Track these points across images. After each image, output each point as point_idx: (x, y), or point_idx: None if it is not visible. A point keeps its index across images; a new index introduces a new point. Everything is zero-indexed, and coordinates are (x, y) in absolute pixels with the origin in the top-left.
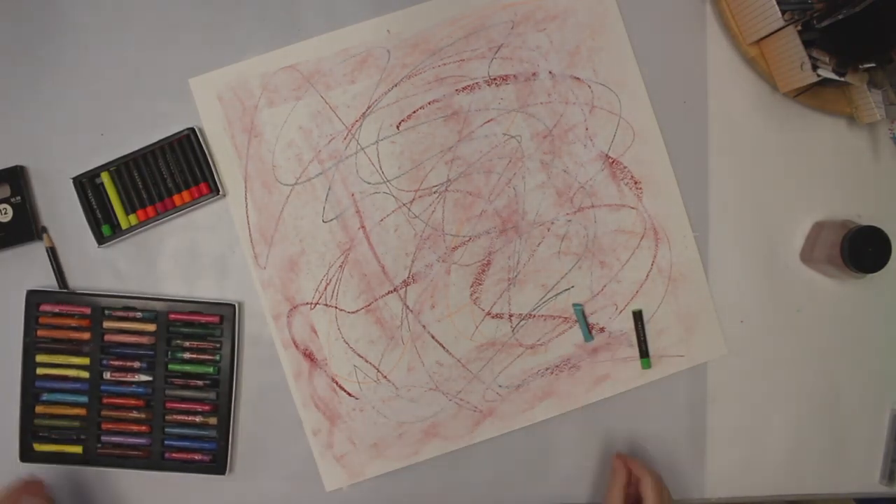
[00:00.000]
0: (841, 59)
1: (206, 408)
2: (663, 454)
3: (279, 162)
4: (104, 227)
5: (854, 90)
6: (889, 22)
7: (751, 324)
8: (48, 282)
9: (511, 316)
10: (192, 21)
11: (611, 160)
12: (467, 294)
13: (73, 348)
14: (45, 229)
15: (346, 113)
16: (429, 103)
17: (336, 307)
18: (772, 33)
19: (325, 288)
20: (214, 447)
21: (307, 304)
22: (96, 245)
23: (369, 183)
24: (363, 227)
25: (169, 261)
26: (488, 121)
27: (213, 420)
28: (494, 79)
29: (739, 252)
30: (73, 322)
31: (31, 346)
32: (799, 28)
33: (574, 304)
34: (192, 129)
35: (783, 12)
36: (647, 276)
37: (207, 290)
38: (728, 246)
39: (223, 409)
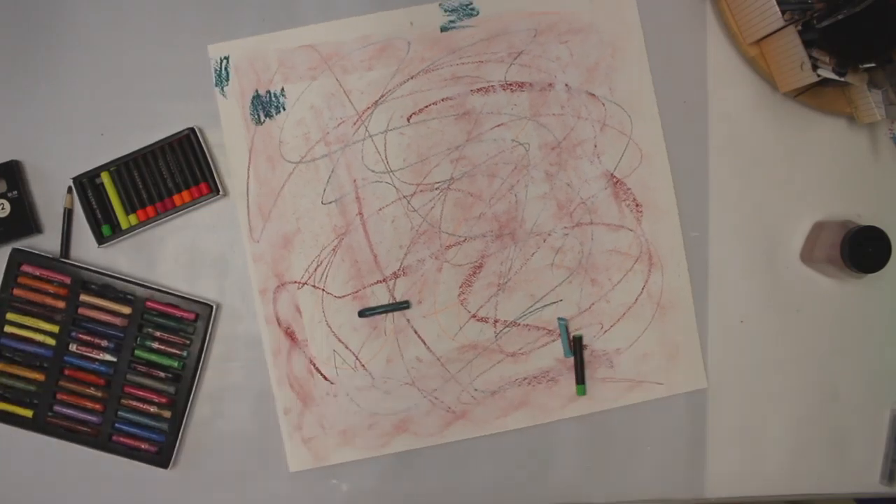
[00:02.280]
0: (841, 59)
1: (163, 400)
2: (663, 454)
3: (286, 138)
4: (104, 227)
5: (854, 90)
6: (889, 22)
7: (751, 324)
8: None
9: (496, 321)
10: (193, 22)
11: (615, 180)
12: (455, 294)
13: (46, 314)
14: (70, 189)
15: (359, 99)
16: (442, 100)
17: (323, 290)
18: (772, 33)
19: (316, 269)
20: (163, 440)
21: (295, 282)
22: (96, 245)
23: (373, 171)
24: (361, 213)
25: (169, 261)
26: (499, 125)
27: (167, 413)
28: (510, 84)
29: (739, 252)
30: (51, 288)
31: (4, 303)
32: (799, 28)
33: (559, 318)
34: (192, 129)
35: (783, 12)
36: (637, 299)
37: (207, 290)
38: (728, 246)
39: (180, 404)
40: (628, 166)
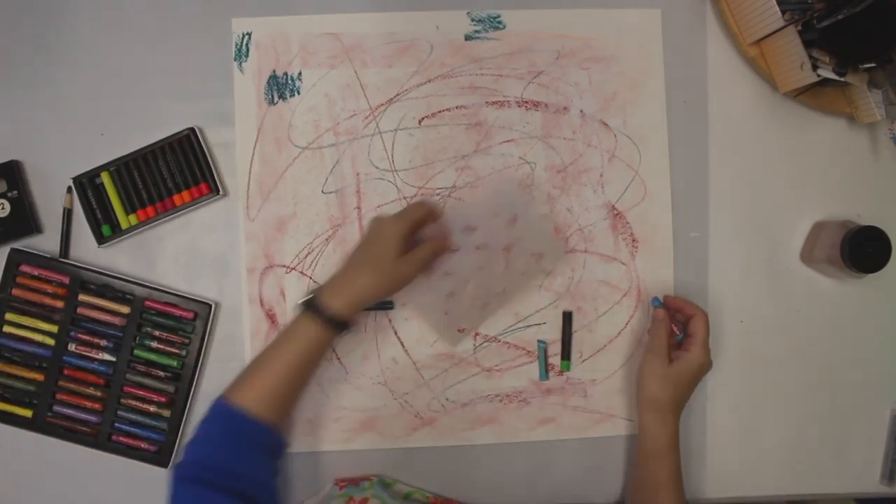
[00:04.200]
0: (841, 59)
1: (163, 399)
2: None
3: (296, 123)
4: (104, 227)
5: (854, 90)
6: (889, 22)
7: (751, 324)
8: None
9: (476, 335)
10: (193, 21)
11: (616, 212)
12: (442, 301)
13: (45, 314)
14: (70, 189)
15: (375, 94)
16: (456, 107)
17: (311, 278)
18: (772, 33)
19: (306, 256)
20: (162, 439)
21: (284, 266)
22: (96, 245)
23: (377, 168)
24: (359, 207)
25: (169, 261)
26: (509, 140)
27: (166, 412)
28: (526, 102)
29: (739, 252)
30: (49, 288)
31: (3, 303)
32: (799, 28)
33: (539, 341)
34: (192, 129)
35: (783, 12)
36: (619, 333)
37: (206, 289)
38: (728, 246)
39: (179, 403)
40: (631, 200)
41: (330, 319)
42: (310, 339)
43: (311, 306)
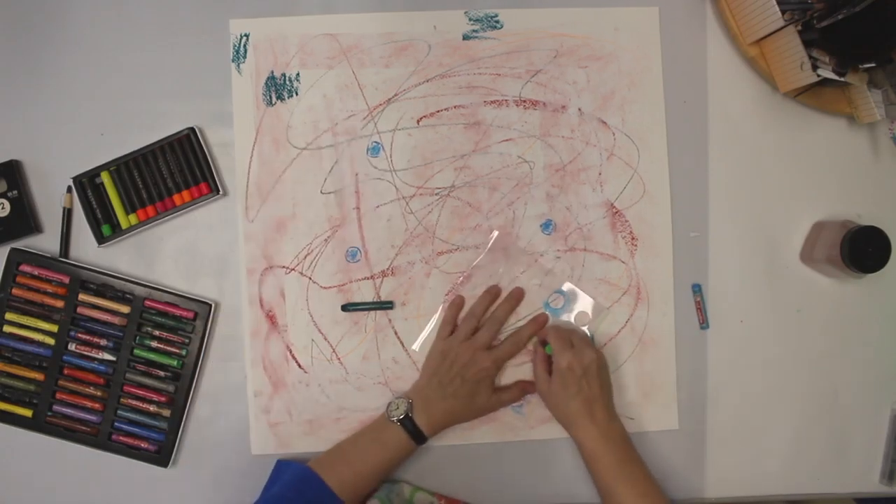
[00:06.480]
0: (841, 59)
1: (163, 399)
2: (663, 454)
3: (295, 123)
4: (104, 226)
5: (854, 90)
6: (889, 22)
7: (751, 324)
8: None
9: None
10: (192, 22)
11: (615, 210)
12: (440, 301)
13: (45, 313)
14: (70, 189)
15: (373, 94)
16: (454, 107)
17: (310, 278)
18: (772, 33)
19: (305, 257)
20: (162, 439)
21: (283, 267)
22: (96, 245)
23: (375, 168)
24: (358, 208)
25: (169, 261)
26: (507, 139)
27: (166, 412)
28: (524, 101)
29: (739, 252)
30: (49, 288)
31: (3, 303)
32: (799, 28)
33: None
34: (192, 129)
35: (783, 12)
36: (619, 332)
37: (206, 289)
38: (728, 246)
39: (179, 403)
40: (629, 199)
41: (419, 436)
42: (398, 450)
43: (404, 422)
